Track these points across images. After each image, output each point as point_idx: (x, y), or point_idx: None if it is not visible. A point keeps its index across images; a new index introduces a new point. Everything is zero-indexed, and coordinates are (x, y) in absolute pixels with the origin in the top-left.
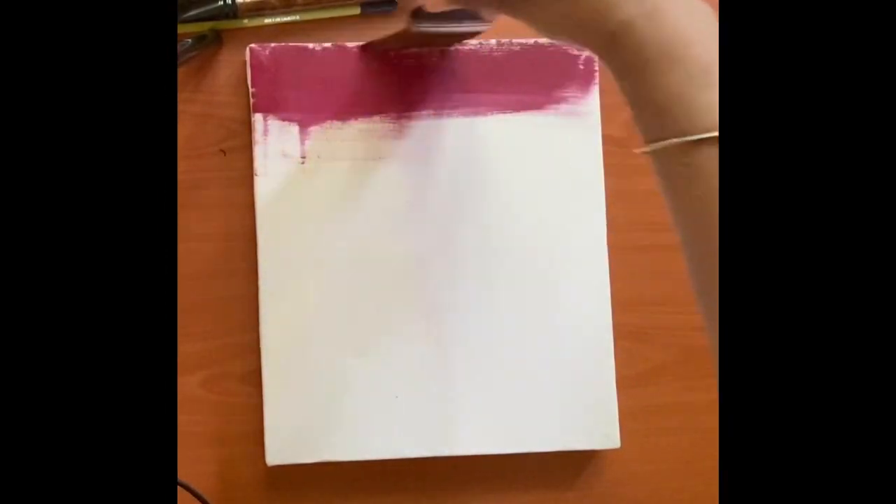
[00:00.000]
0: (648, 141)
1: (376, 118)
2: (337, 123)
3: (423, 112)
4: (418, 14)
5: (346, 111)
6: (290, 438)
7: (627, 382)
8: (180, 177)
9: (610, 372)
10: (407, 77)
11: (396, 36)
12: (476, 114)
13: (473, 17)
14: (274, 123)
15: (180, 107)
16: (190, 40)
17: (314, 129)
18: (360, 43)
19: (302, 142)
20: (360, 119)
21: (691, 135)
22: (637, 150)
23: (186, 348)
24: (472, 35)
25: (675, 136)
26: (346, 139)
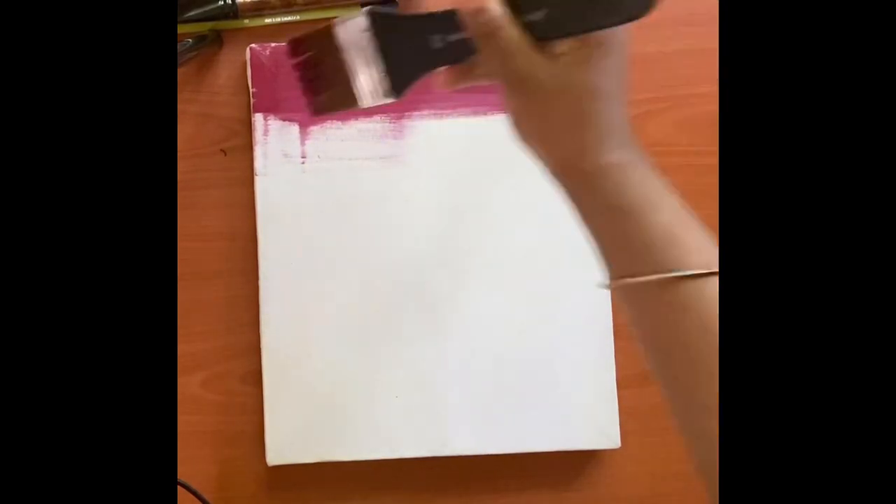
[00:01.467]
0: (622, 276)
1: (376, 118)
2: (337, 123)
3: (424, 112)
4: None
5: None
6: (290, 438)
7: (627, 382)
8: (180, 177)
9: (610, 372)
10: None
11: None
12: (476, 113)
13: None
14: (274, 123)
15: (180, 107)
16: (190, 40)
17: (314, 129)
18: None
19: (302, 142)
20: (360, 119)
21: (686, 270)
22: (612, 285)
23: (186, 348)
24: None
25: (663, 273)
26: (346, 139)
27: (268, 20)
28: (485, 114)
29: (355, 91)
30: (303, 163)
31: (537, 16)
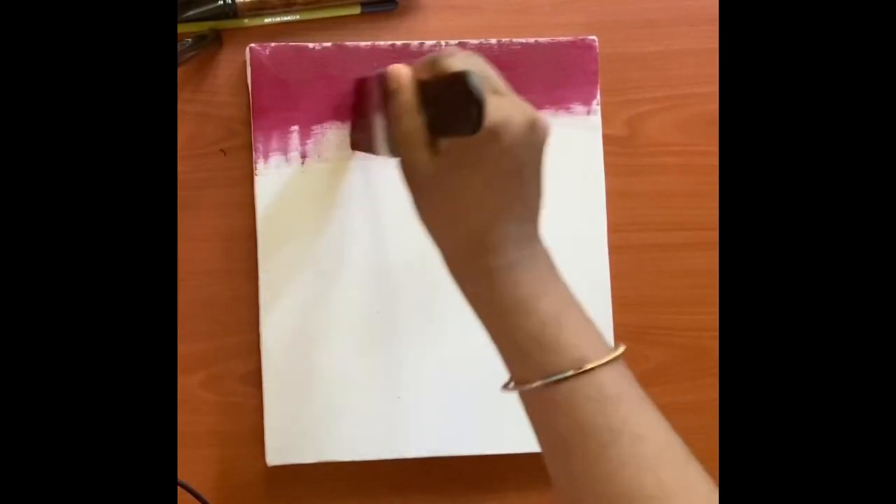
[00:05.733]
0: (516, 381)
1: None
2: (337, 123)
3: None
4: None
5: (346, 111)
6: (290, 438)
7: None
8: (180, 177)
9: None
10: None
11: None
12: None
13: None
14: (274, 123)
15: (180, 107)
16: (190, 40)
17: (314, 129)
18: (364, 43)
19: (302, 142)
20: None
21: (552, 375)
22: (506, 390)
23: (186, 348)
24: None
25: (539, 378)
26: (346, 139)
27: (267, 20)
28: None
29: (377, 141)
30: (303, 163)
31: (431, 111)
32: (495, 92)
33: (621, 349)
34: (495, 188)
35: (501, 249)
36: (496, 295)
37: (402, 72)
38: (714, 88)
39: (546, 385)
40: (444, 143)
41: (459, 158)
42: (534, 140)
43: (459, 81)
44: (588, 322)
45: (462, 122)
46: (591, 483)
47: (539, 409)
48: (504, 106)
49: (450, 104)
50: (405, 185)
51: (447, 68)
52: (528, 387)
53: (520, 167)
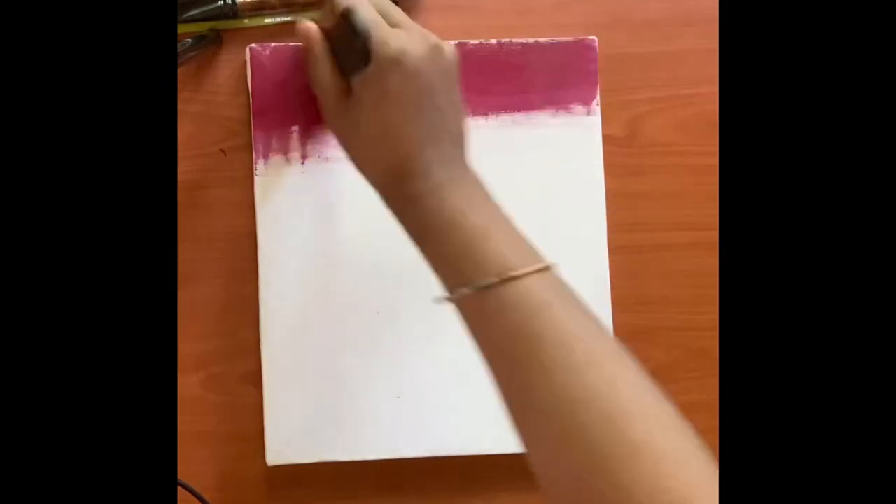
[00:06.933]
0: (445, 293)
1: None
2: None
3: None
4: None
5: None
6: (290, 438)
7: None
8: (180, 177)
9: None
10: None
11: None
12: (476, 114)
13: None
14: (274, 123)
15: (180, 107)
16: (190, 40)
17: (314, 129)
18: None
19: (302, 142)
20: None
21: (480, 282)
22: (440, 299)
23: (186, 348)
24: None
25: (469, 286)
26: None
27: (268, 20)
28: (485, 115)
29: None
30: (303, 163)
31: (336, 55)
32: (395, 25)
33: (550, 262)
34: (410, 118)
35: (425, 174)
36: (425, 217)
37: (307, 26)
38: (714, 88)
39: (476, 295)
40: (355, 81)
41: (370, 94)
42: (440, 65)
43: (347, 19)
44: (518, 235)
45: (357, 56)
46: (523, 391)
47: (472, 321)
48: (401, 35)
49: (346, 43)
50: (332, 133)
51: (338, 8)
52: (458, 294)
53: (431, 93)
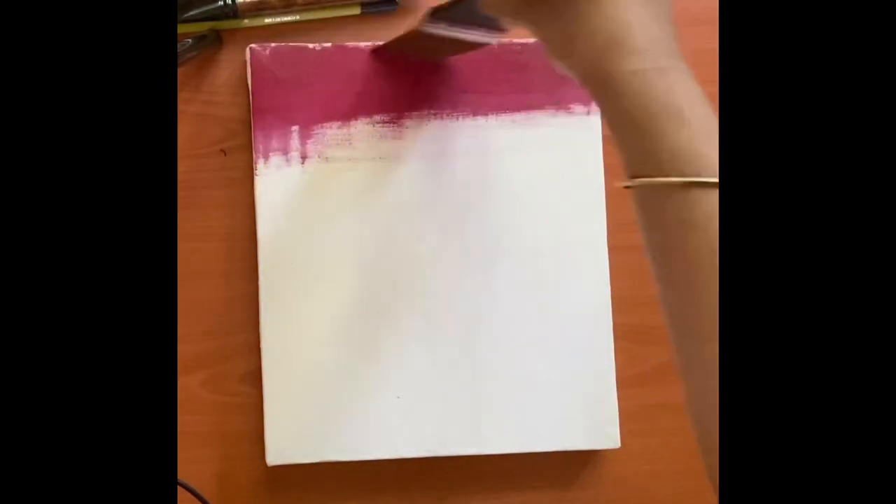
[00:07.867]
0: (638, 177)
1: (377, 118)
2: (337, 123)
3: (424, 112)
4: (435, 13)
5: (346, 111)
6: (290, 438)
7: (627, 382)
8: (180, 177)
9: (610, 372)
10: (407, 77)
11: (405, 38)
12: (476, 114)
13: (486, 25)
14: (274, 123)
15: (180, 107)
16: (190, 40)
17: (314, 129)
18: (364, 44)
19: (302, 142)
20: (360, 119)
21: (693, 178)
22: (624, 184)
23: (186, 348)
24: (480, 46)
25: (676, 177)
26: (346, 139)
27: (268, 20)
28: (485, 115)
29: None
30: (303, 163)
31: None
32: None
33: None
34: None
35: (648, 53)
36: (649, 97)
37: None
38: (714, 88)
39: (681, 191)
40: None
41: None
42: None
43: None
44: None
45: None
46: (708, 306)
47: (664, 217)
48: None
49: None
50: (526, 21)
51: None
52: (658, 181)
53: None
